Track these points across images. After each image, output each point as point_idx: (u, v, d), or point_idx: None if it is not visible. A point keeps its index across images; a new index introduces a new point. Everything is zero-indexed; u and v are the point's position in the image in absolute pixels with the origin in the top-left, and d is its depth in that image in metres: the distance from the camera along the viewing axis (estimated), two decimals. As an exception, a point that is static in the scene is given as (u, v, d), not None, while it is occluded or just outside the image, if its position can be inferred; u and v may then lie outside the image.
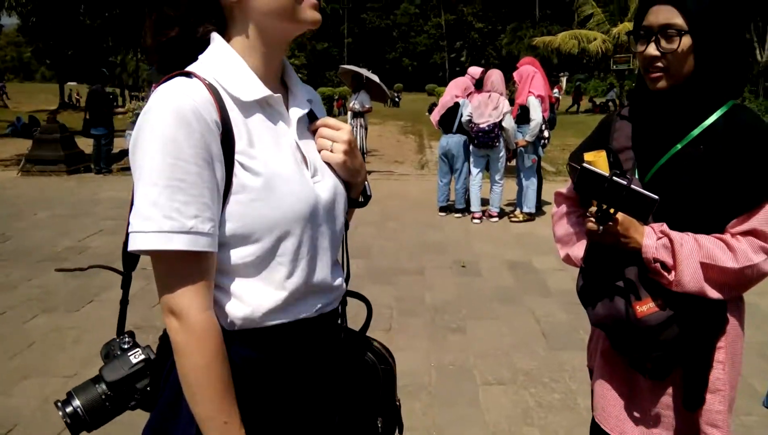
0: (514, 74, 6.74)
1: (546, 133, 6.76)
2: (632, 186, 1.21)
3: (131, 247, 0.91)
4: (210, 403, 0.92)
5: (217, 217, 0.94)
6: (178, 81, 0.95)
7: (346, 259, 1.18)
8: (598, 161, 1.32)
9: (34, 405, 2.87)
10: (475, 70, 7.23)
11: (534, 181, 6.87)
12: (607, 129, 1.49)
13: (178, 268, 0.92)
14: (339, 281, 1.12)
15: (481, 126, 6.49)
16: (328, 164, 1.08)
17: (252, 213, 0.95)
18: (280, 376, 1.02)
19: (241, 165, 0.95)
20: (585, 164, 1.27)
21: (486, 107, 6.48)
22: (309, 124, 1.11)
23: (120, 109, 12.82)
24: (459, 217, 7.11)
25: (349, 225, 1.18)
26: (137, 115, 10.24)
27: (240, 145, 0.96)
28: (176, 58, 1.02)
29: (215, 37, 1.02)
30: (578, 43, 26.19)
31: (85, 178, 9.75)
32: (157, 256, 0.92)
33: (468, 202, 7.10)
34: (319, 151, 1.08)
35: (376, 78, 10.22)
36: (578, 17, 31.51)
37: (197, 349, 0.91)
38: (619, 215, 1.26)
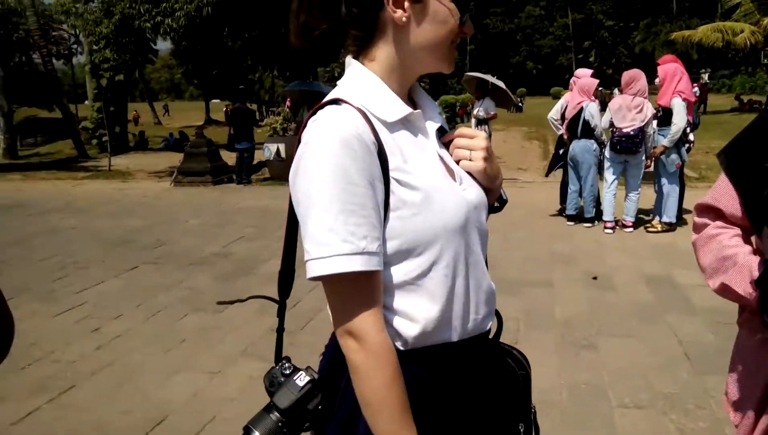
0: (659, 71, 6.18)
1: (691, 137, 6.22)
2: None
3: (311, 274, 0.93)
4: (391, 423, 0.94)
5: (382, 236, 0.96)
6: (332, 109, 0.98)
7: None
8: None
9: (184, 398, 3.11)
10: (583, 72, 6.91)
11: (676, 188, 6.35)
12: None
13: (353, 290, 0.94)
14: (493, 286, 1.13)
15: (624, 130, 6.10)
16: (468, 173, 1.10)
17: (414, 227, 0.97)
18: (448, 394, 1.04)
19: (398, 181, 0.97)
20: None
21: (629, 111, 6.09)
22: (441, 137, 1.13)
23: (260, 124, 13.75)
24: (589, 227, 6.77)
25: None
26: (274, 128, 10.87)
27: (394, 162, 0.98)
28: (315, 54, 1.05)
29: (352, 61, 1.06)
30: (722, 36, 23.88)
31: (228, 189, 10.58)
32: (332, 280, 0.94)
33: (599, 210, 6.73)
34: (457, 162, 1.10)
35: (501, 84, 10.05)
36: (721, 8, 28.88)
37: (377, 369, 0.93)
38: None
